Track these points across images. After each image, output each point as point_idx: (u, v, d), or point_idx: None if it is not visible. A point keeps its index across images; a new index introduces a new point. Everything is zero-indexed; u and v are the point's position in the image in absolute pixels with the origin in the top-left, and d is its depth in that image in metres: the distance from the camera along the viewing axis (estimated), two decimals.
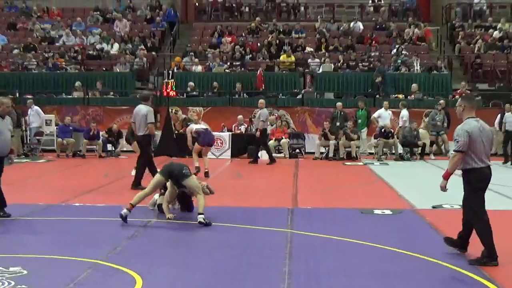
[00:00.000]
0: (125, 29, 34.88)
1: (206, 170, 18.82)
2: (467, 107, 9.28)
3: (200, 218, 11.37)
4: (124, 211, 11.56)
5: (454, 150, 9.15)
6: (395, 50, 32.06)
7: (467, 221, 9.34)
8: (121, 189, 15.83)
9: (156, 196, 12.68)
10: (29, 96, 27.90)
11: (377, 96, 28.07)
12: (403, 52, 31.57)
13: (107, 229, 11.24)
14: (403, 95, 28.42)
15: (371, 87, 29.10)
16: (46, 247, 9.75)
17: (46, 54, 32.32)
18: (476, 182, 9.11)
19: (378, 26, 35.25)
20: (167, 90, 25.64)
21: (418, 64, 30.39)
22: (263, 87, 29.22)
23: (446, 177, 9.32)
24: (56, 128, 25.86)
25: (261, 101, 24.10)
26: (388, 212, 13.00)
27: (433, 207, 13.63)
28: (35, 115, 26.10)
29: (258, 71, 29.60)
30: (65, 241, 10.24)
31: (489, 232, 8.97)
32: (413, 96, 28.21)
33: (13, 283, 7.67)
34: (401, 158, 24.84)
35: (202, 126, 19.88)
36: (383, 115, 25.69)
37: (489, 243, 8.92)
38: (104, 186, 16.89)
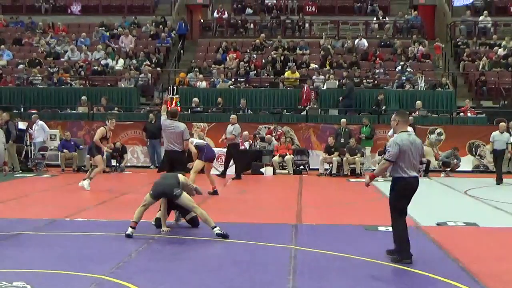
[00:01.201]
0: (130, 45, 34.97)
1: (215, 189, 18.64)
2: (401, 122, 10.19)
3: (217, 230, 11.54)
4: (130, 230, 11.64)
5: (385, 159, 10.10)
6: (399, 67, 32.07)
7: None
8: (125, 204, 15.81)
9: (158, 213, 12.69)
10: (34, 111, 27.94)
11: (382, 113, 28.06)
12: (407, 69, 31.59)
13: (111, 244, 11.22)
14: (407, 112, 28.37)
15: (374, 104, 29.10)
16: (50, 262, 9.74)
17: (51, 69, 32.41)
18: (402, 189, 10.02)
19: (382, 43, 35.31)
20: (172, 106, 25.61)
21: (423, 81, 30.41)
22: (309, 104, 29.11)
23: (371, 177, 10.33)
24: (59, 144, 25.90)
25: (233, 116, 23.96)
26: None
27: (438, 224, 13.59)
28: (40, 130, 26.13)
29: (305, 87, 29.49)
30: (69, 256, 10.23)
31: (403, 231, 9.92)
32: (417, 113, 28.20)
33: None
34: None
35: (200, 141, 19.73)
36: (389, 132, 25.64)
37: (400, 240, 9.91)
38: (108, 201, 16.88)
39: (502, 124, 23.39)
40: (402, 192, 10.03)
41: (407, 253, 9.84)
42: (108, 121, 19.50)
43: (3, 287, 8.09)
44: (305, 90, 29.47)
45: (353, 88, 29.57)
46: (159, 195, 11.97)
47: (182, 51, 36.42)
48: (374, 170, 24.49)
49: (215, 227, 11.59)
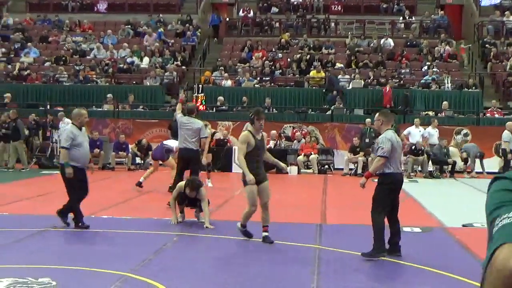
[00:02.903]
0: (155, 43, 35.06)
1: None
2: (385, 121, 10.58)
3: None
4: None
5: (379, 156, 10.25)
6: (425, 67, 31.90)
7: (394, 227, 10.50)
8: (149, 202, 15.85)
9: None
10: (59, 109, 28.08)
11: (407, 113, 27.94)
12: (434, 69, 31.40)
13: (135, 242, 11.26)
14: (433, 112, 28.28)
15: (402, 103, 28.90)
16: (75, 259, 9.78)
17: (77, 67, 32.57)
18: (390, 184, 10.32)
19: (409, 43, 35.13)
20: (197, 104, 25.71)
21: (449, 82, 30.23)
22: (391, 104, 28.95)
23: (367, 176, 10.53)
24: None
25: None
26: (417, 230, 12.90)
27: (463, 225, 13.51)
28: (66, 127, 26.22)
29: (387, 87, 29.36)
30: (93, 253, 10.28)
31: (382, 229, 10.14)
32: (443, 113, 28.04)
33: None
34: (430, 175, 24.68)
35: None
36: (413, 132, 25.55)
37: (380, 235, 10.07)
38: (132, 199, 16.94)
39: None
40: (393, 187, 10.36)
41: (384, 247, 10.12)
42: None
43: (29, 283, 8.13)
44: (387, 90, 29.20)
45: (335, 81, 29.55)
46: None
47: (207, 50, 36.45)
48: (430, 172, 24.70)
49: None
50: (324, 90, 29.54)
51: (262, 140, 11.19)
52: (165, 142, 19.01)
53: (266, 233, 11.19)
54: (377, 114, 10.85)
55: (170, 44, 35.06)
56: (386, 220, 10.36)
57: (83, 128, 12.64)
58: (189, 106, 16.39)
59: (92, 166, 12.99)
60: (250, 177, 10.88)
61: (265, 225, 11.25)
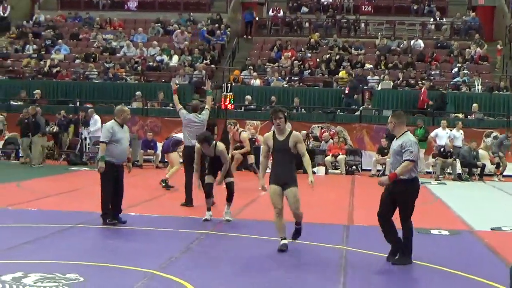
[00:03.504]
0: (185, 41, 35.13)
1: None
2: (397, 123, 10.05)
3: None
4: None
5: (409, 159, 9.64)
6: (456, 69, 31.68)
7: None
8: (176, 200, 15.86)
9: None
10: (89, 105, 28.24)
11: (440, 113, 27.76)
12: (464, 71, 31.15)
13: (162, 239, 11.28)
14: (463, 115, 28.10)
15: (438, 104, 28.65)
16: (102, 255, 9.83)
17: (107, 64, 32.72)
18: (417, 189, 9.91)
19: (439, 44, 34.89)
20: (225, 103, 25.77)
21: (480, 84, 29.99)
22: (426, 106, 28.83)
23: (392, 178, 9.75)
24: None
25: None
26: (445, 232, 12.82)
27: (492, 229, 13.39)
28: (95, 124, 26.37)
29: (423, 89, 29.09)
30: (121, 250, 10.32)
31: (412, 235, 9.87)
32: (473, 116, 27.83)
33: None
34: (459, 178, 24.51)
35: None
36: (440, 134, 25.40)
37: (410, 244, 9.81)
38: (160, 197, 17.00)
39: None
40: (417, 192, 9.94)
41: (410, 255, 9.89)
42: None
43: (56, 279, 8.19)
44: (422, 91, 29.00)
45: (358, 86, 29.53)
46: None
47: (237, 49, 36.47)
48: (431, 171, 24.61)
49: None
50: (344, 94, 29.33)
51: (284, 141, 10.39)
52: (175, 134, 19.16)
53: (297, 226, 11.05)
54: (390, 117, 10.33)
55: (210, 43, 35.15)
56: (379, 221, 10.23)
57: (125, 126, 12.70)
58: (193, 103, 16.46)
59: (130, 165, 12.86)
60: (260, 182, 10.96)
61: (297, 221, 11.04)
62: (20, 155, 26.12)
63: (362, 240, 11.73)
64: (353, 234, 12.36)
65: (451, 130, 25.68)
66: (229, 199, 13.18)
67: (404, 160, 9.64)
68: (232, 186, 13.20)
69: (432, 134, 25.59)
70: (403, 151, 9.69)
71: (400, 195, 9.79)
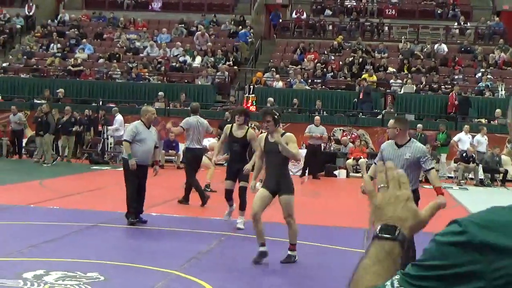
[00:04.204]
0: (207, 43, 35.22)
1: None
2: (402, 130, 9.23)
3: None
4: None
5: (432, 168, 9.27)
6: (479, 74, 31.53)
7: None
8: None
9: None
10: (112, 105, 28.33)
11: (459, 120, 27.63)
12: (488, 76, 30.98)
13: (183, 240, 11.32)
14: (486, 120, 27.96)
15: (463, 109, 28.52)
16: (123, 255, 9.89)
17: (130, 64, 32.87)
18: (417, 201, 8.31)
19: (463, 49, 34.72)
20: (248, 105, 25.80)
21: (503, 89, 29.83)
22: (453, 110, 28.70)
23: (444, 194, 9.25)
24: None
25: (317, 118, 24.40)
26: None
27: None
28: (116, 124, 26.47)
29: (452, 94, 28.95)
30: (142, 250, 10.36)
31: None
32: (496, 121, 27.69)
33: None
34: (481, 183, 24.39)
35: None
36: (463, 139, 25.28)
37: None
38: (181, 197, 17.01)
39: None
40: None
41: None
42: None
43: (77, 277, 8.24)
44: (452, 96, 28.88)
45: (370, 91, 29.47)
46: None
47: (259, 51, 36.50)
48: (452, 176, 24.53)
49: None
50: (358, 98, 29.27)
51: (275, 143, 9.51)
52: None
53: (289, 252, 9.92)
54: (392, 122, 9.44)
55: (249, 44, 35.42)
56: None
57: (153, 128, 12.79)
58: (194, 105, 16.47)
59: (156, 167, 12.80)
60: (252, 182, 10.69)
61: (290, 242, 9.95)
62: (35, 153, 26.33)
63: None
64: None
65: (473, 136, 25.55)
66: (241, 207, 12.43)
67: (429, 170, 9.15)
68: (244, 192, 12.43)
69: (455, 138, 25.47)
70: (423, 160, 9.03)
71: None
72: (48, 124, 24.69)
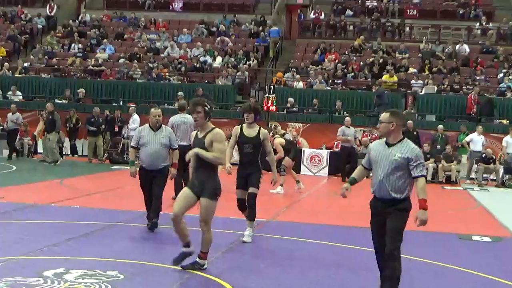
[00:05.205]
0: (229, 43, 35.24)
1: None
2: (399, 125, 7.71)
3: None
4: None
5: (423, 175, 7.60)
6: (501, 75, 31.31)
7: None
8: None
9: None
10: (132, 105, 28.31)
11: (480, 121, 27.46)
12: (510, 76, 30.77)
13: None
14: (508, 121, 27.77)
15: (486, 110, 28.34)
16: (143, 254, 9.89)
17: (150, 65, 32.95)
18: (408, 214, 7.71)
19: (484, 50, 34.51)
20: (268, 105, 25.78)
21: None
22: (473, 112, 28.60)
23: (426, 207, 7.56)
24: None
25: (348, 119, 24.36)
26: (487, 239, 12.69)
27: None
28: (135, 123, 26.41)
29: (471, 95, 28.78)
30: (161, 249, 10.38)
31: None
32: None
33: (109, 286, 7.80)
34: (502, 184, 24.25)
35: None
36: (475, 140, 25.11)
37: (398, 279, 7.75)
38: None
39: None
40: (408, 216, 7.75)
41: None
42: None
43: (97, 275, 8.26)
44: (471, 97, 28.72)
45: (383, 92, 29.26)
46: None
47: (280, 51, 36.48)
48: (473, 177, 24.38)
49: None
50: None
51: (201, 139, 8.77)
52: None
53: (197, 258, 8.92)
54: (387, 115, 7.71)
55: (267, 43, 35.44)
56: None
57: (162, 130, 11.95)
58: (181, 103, 16.39)
59: (172, 170, 12.22)
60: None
61: (201, 249, 8.96)
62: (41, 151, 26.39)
63: (403, 245, 11.61)
64: None
65: (497, 138, 25.50)
66: (249, 217, 11.25)
67: (417, 177, 7.56)
68: (253, 199, 11.21)
69: (467, 138, 25.35)
70: (413, 164, 7.52)
71: (396, 217, 7.66)
72: (53, 123, 24.68)
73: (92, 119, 26.52)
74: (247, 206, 11.19)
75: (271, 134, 20.42)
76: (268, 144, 11.26)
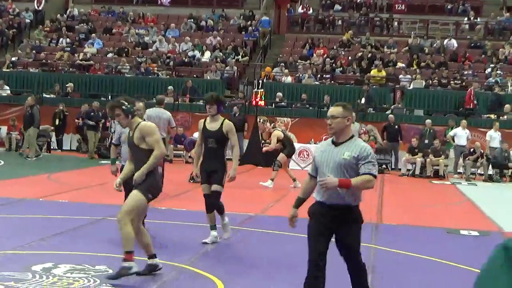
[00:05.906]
0: (216, 38, 35.23)
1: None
2: (350, 121, 6.78)
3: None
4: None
5: (373, 174, 6.54)
6: (489, 69, 31.42)
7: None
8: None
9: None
10: None
11: (468, 115, 27.56)
12: (497, 71, 30.87)
13: (191, 234, 11.32)
14: (495, 116, 27.87)
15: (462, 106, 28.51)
16: None
17: (139, 59, 32.90)
18: (356, 222, 6.98)
19: (472, 44, 34.60)
20: (256, 100, 25.77)
21: None
22: (471, 106, 28.49)
23: (343, 185, 6.53)
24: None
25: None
26: (475, 233, 12.74)
27: None
28: None
29: (470, 89, 28.71)
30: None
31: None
32: (505, 117, 27.59)
33: (98, 281, 7.81)
34: (490, 179, 24.35)
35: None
36: (458, 134, 25.19)
37: None
38: (190, 191, 17.06)
39: None
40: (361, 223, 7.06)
41: None
42: None
43: (86, 270, 8.26)
44: (468, 92, 28.71)
45: (372, 93, 29.35)
46: None
47: (268, 46, 36.47)
48: (461, 172, 24.54)
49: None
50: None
51: (132, 137, 8.32)
52: (195, 134, 19.41)
53: (122, 262, 8.16)
54: (340, 109, 6.64)
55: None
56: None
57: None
58: (159, 96, 16.45)
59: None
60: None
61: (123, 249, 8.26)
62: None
63: (391, 239, 11.69)
64: (382, 232, 12.31)
65: (484, 132, 25.57)
66: (219, 212, 10.75)
67: (365, 174, 6.54)
68: (217, 198, 10.63)
69: (451, 133, 25.43)
70: (362, 162, 6.48)
71: (351, 228, 7.04)
72: (32, 117, 24.53)
73: (92, 113, 26.48)
74: (211, 205, 10.61)
75: (271, 126, 20.49)
76: (233, 137, 10.41)
